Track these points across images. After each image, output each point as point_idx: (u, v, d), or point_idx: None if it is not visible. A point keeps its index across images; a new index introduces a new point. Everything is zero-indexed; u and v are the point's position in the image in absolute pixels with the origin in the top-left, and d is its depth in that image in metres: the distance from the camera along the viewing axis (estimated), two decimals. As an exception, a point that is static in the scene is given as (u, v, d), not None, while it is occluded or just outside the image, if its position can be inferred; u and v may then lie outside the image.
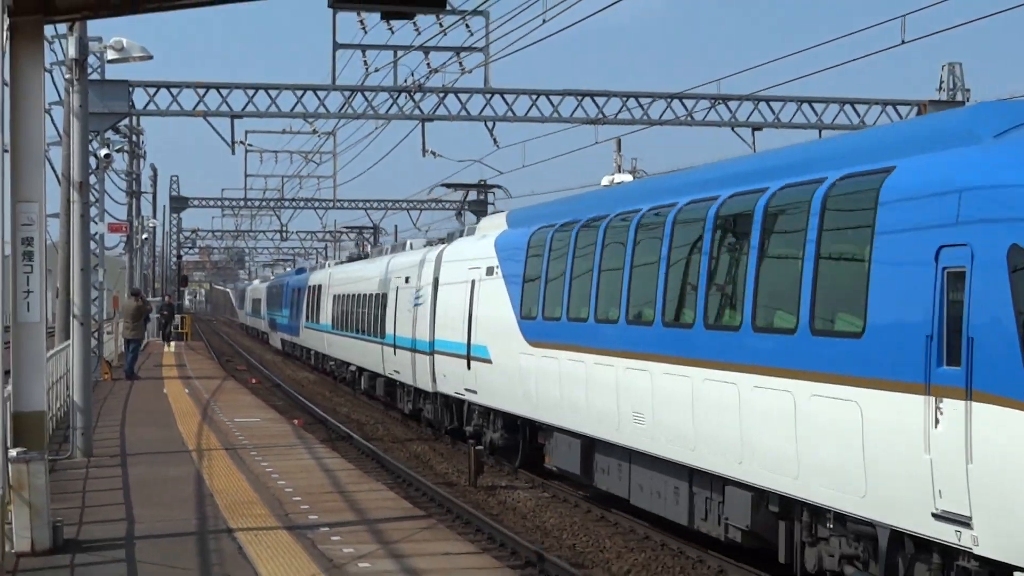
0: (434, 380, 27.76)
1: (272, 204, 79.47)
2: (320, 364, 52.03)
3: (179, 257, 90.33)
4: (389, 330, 33.04)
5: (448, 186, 42.29)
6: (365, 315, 37.42)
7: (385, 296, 34.08)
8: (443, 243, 30.25)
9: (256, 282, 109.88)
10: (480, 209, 71.58)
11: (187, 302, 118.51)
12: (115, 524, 14.92)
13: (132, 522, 15.06)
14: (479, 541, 17.30)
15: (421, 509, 17.93)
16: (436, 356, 27.36)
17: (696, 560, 16.48)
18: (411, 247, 34.92)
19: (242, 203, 79.37)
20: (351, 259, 49.95)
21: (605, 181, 23.82)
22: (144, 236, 66.35)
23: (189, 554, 13.28)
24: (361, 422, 33.64)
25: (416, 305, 29.54)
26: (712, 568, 16.05)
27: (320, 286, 50.61)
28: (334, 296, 45.54)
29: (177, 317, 67.20)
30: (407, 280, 31.11)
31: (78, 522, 14.93)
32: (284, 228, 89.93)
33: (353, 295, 40.69)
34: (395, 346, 32.17)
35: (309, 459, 20.78)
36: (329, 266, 55.43)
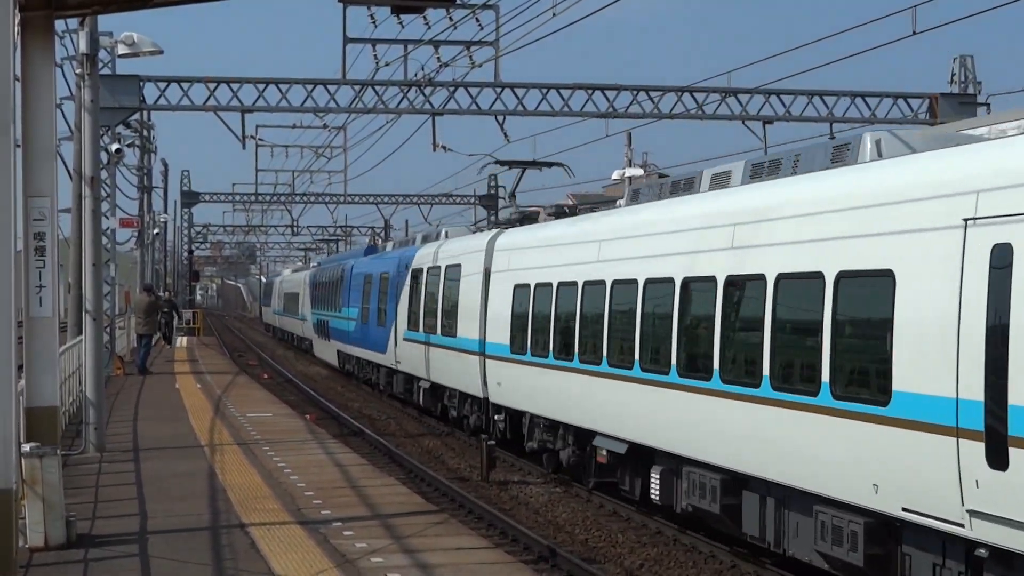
0: None
1: (283, 199, 79.56)
2: (442, 409, 30.09)
3: (191, 252, 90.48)
4: None
5: None
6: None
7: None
8: None
9: (287, 272, 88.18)
10: (491, 204, 71.64)
11: (199, 297, 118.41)
12: (128, 519, 14.94)
13: (145, 517, 15.08)
14: (491, 536, 17.29)
15: (433, 504, 17.91)
16: None
17: (708, 555, 16.45)
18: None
19: (253, 198, 79.50)
20: (524, 218, 27.18)
21: (616, 176, 23.76)
22: (155, 231, 66.40)
23: (202, 549, 13.29)
24: (373, 417, 33.63)
25: None
26: (725, 563, 16.01)
27: (457, 267, 27.79)
28: (536, 286, 22.38)
29: (188, 312, 67.27)
30: None
31: (91, 517, 14.95)
32: (295, 223, 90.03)
33: (731, 280, 15.09)
34: None
35: (321, 454, 20.79)
36: (447, 236, 32.05)
